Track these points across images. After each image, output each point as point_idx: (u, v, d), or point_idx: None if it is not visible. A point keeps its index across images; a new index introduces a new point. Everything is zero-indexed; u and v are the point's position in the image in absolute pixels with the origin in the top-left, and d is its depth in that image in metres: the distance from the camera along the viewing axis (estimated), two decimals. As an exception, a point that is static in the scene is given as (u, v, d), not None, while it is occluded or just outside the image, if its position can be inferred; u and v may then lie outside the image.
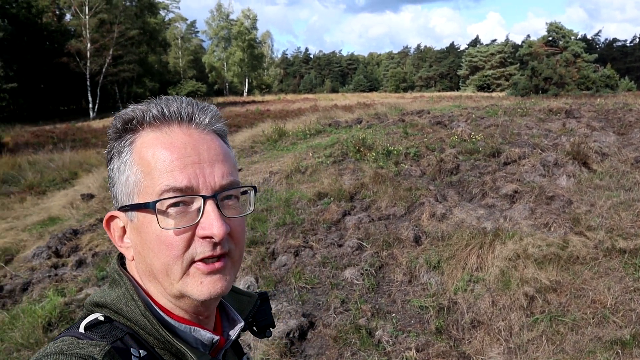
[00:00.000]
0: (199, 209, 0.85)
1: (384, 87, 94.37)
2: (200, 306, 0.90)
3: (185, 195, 0.84)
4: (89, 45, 45.09)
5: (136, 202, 0.86)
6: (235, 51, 72.01)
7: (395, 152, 8.61)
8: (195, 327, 0.90)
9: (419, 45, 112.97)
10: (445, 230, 5.80)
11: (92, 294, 0.92)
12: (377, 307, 4.88)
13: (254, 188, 0.96)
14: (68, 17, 52.82)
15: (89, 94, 45.92)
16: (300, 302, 5.16)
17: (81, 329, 0.83)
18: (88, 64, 45.47)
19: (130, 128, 0.89)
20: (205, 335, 0.91)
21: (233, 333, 0.99)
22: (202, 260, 0.85)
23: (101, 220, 8.61)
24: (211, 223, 0.83)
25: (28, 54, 44.79)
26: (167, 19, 74.07)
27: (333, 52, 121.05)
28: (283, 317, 4.81)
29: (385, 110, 14.69)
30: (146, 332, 0.85)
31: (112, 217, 0.92)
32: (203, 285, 0.85)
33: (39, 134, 28.59)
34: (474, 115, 11.50)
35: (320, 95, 63.32)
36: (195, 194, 0.85)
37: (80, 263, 7.05)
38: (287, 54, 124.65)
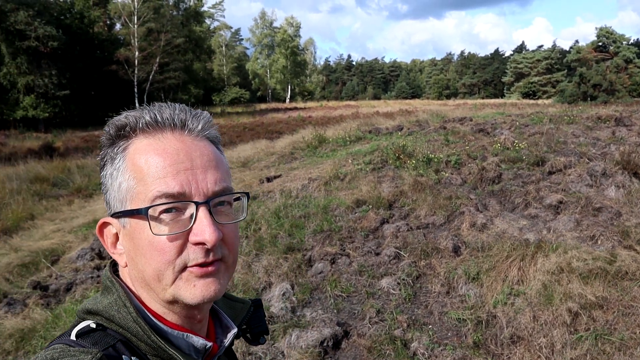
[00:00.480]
0: (191, 215, 0.85)
1: (427, 94, 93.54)
2: (193, 311, 0.90)
3: (177, 201, 0.84)
4: (137, 53, 46.46)
5: (129, 209, 0.86)
6: (279, 58, 72.85)
7: (435, 159, 8.47)
8: (188, 334, 0.89)
9: (462, 52, 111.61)
10: (485, 241, 5.65)
11: (85, 301, 0.92)
12: (413, 318, 4.78)
13: (247, 194, 0.97)
14: (118, 26, 54.60)
15: (136, 101, 47.24)
16: (335, 311, 5.10)
17: (73, 337, 0.83)
18: (136, 72, 46.84)
19: (123, 135, 0.89)
20: (198, 341, 0.90)
21: (226, 340, 0.99)
22: (194, 265, 0.84)
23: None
24: (203, 229, 0.83)
25: (80, 62, 46.48)
26: (212, 27, 75.66)
27: (375, 59, 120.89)
28: (317, 325, 4.77)
29: (427, 117, 14.53)
30: (138, 339, 0.85)
31: (105, 224, 0.92)
32: (196, 289, 0.85)
33: (88, 139, 29.59)
34: (517, 123, 11.22)
35: (362, 102, 63.26)
36: (187, 200, 0.85)
37: (122, 266, 7.22)
38: (329, 61, 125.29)
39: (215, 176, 0.88)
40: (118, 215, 0.88)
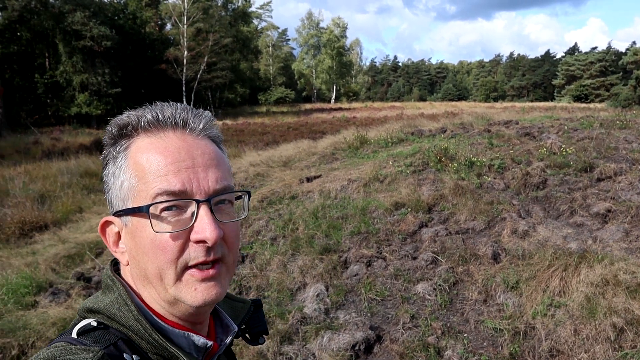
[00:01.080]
0: (192, 213, 0.85)
1: (474, 97, 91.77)
2: (194, 312, 0.90)
3: (178, 199, 0.84)
4: (185, 52, 47.50)
5: (130, 207, 0.87)
6: (324, 59, 73.02)
7: (478, 163, 8.27)
8: (189, 332, 0.90)
9: (511, 54, 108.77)
10: (526, 249, 5.46)
11: (86, 300, 0.92)
12: (448, 325, 4.67)
13: (248, 193, 0.97)
14: (168, 26, 55.99)
15: (184, 99, 48.29)
16: (369, 314, 5.05)
17: (74, 335, 0.84)
18: (184, 71, 47.88)
19: (125, 133, 0.90)
20: (199, 340, 0.90)
21: (226, 339, 0.99)
22: (196, 266, 0.85)
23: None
24: (204, 227, 0.83)
25: (131, 61, 47.93)
26: (259, 27, 76.56)
27: (422, 60, 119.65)
28: (350, 328, 4.73)
29: (472, 120, 14.22)
30: (139, 337, 0.85)
31: (107, 223, 0.93)
32: (197, 292, 0.85)
33: (137, 135, 30.35)
34: (566, 127, 10.83)
35: (408, 104, 62.67)
36: (189, 198, 0.85)
37: (162, 260, 7.34)
38: (375, 62, 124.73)
39: (217, 175, 0.89)
40: (120, 213, 0.88)
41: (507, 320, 4.51)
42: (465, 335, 4.53)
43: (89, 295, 4.51)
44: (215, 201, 0.88)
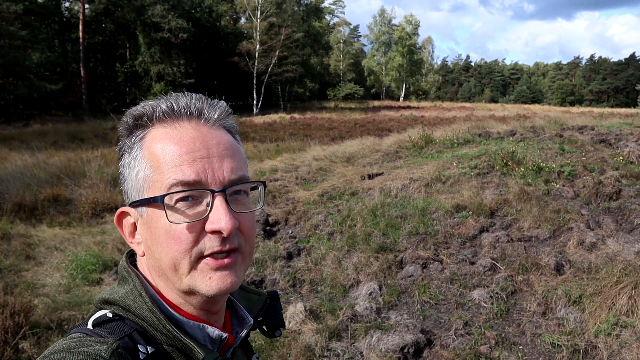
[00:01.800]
0: (207, 204, 0.84)
1: (548, 100, 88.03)
2: (210, 302, 0.90)
3: (193, 189, 0.84)
4: (258, 46, 48.35)
5: (145, 197, 0.86)
6: (395, 56, 72.25)
7: (547, 169, 7.90)
8: (204, 324, 0.89)
9: (592, 56, 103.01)
10: (593, 262, 5.16)
11: (102, 291, 0.93)
12: (502, 335, 4.49)
13: (263, 184, 0.95)
14: (242, 20, 57.22)
15: (254, 92, 49.23)
16: (421, 317, 4.95)
17: (89, 326, 0.84)
18: (256, 64, 48.77)
19: (140, 124, 0.89)
20: (214, 332, 0.90)
21: (242, 331, 0.99)
22: (211, 255, 0.84)
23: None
24: (219, 217, 0.83)
25: (206, 53, 49.41)
26: (331, 23, 76.81)
27: (495, 60, 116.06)
28: (400, 330, 4.65)
29: (543, 124, 13.63)
30: (154, 329, 0.85)
31: (123, 214, 0.92)
32: (212, 281, 0.84)
33: (207, 125, 31.29)
34: (648, 135, 10.17)
35: (478, 105, 61.00)
36: (204, 188, 0.84)
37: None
38: (447, 61, 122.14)
39: (232, 165, 0.88)
40: (135, 204, 0.88)
41: (566, 336, 4.29)
42: (520, 347, 4.34)
43: None
44: (231, 191, 0.87)
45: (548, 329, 4.47)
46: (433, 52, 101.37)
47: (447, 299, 5.19)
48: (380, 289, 5.53)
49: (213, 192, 0.84)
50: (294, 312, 5.08)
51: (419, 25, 73.25)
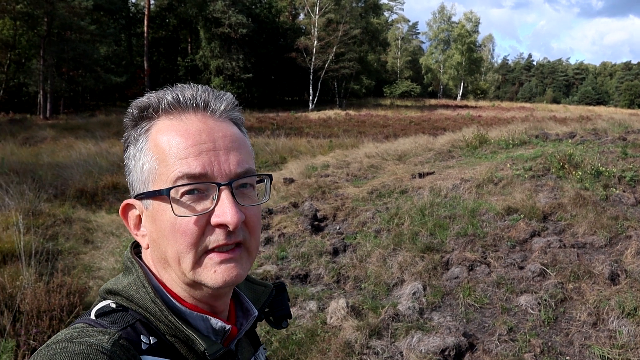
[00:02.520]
0: (213, 197, 0.84)
1: (615, 102, 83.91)
2: (214, 294, 0.89)
3: (199, 182, 0.83)
4: (315, 42, 48.58)
5: (151, 190, 0.86)
6: (454, 54, 70.79)
7: (606, 173, 7.55)
8: (207, 316, 0.89)
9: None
10: (652, 273, 4.91)
11: (107, 282, 0.93)
12: (549, 344, 4.34)
13: (270, 177, 0.95)
14: (301, 16, 57.59)
15: (310, 87, 49.51)
16: (464, 320, 4.85)
17: (92, 316, 0.84)
18: (313, 60, 49.02)
19: (146, 116, 0.89)
20: (217, 323, 0.89)
21: (246, 323, 0.98)
22: (216, 248, 0.84)
23: (294, 204, 9.19)
24: (225, 211, 0.82)
25: (264, 48, 50.07)
26: (390, 19, 76.11)
27: (559, 59, 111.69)
28: (442, 331, 4.58)
29: (606, 126, 13.02)
30: (156, 319, 0.85)
31: (129, 206, 0.92)
32: (217, 273, 0.84)
33: (262, 120, 31.79)
34: None
35: (539, 105, 58.91)
36: (209, 181, 0.84)
37: (268, 240, 7.57)
38: (507, 60, 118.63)
39: (238, 158, 0.87)
40: (141, 196, 0.88)
41: (618, 350, 4.10)
42: (567, 358, 4.18)
43: None
44: (237, 185, 0.86)
45: (598, 341, 4.28)
46: (493, 50, 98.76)
47: (492, 303, 5.06)
48: (424, 289, 5.46)
49: (219, 185, 0.83)
50: (335, 308, 5.09)
51: (479, 23, 71.48)
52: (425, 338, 4.49)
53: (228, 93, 0.93)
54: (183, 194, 0.83)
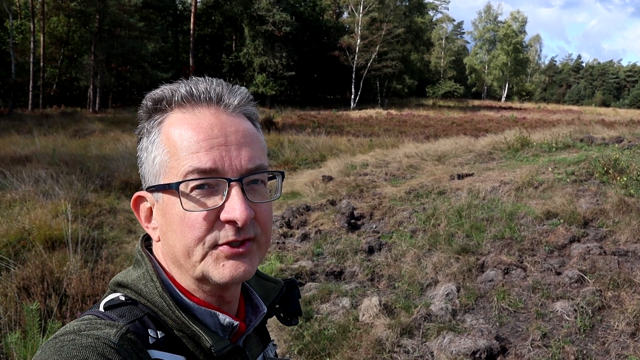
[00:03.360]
0: (223, 192, 0.83)
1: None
2: (222, 289, 0.89)
3: (209, 177, 0.83)
4: (358, 41, 48.52)
5: (161, 183, 0.86)
6: (499, 54, 69.30)
7: (654, 180, 7.32)
8: (215, 311, 0.88)
9: None
10: (696, 283, 4.75)
11: (118, 273, 0.94)
12: (584, 352, 4.26)
13: (282, 174, 0.94)
14: (345, 15, 57.59)
15: (353, 86, 49.47)
16: (497, 324, 4.81)
17: (101, 308, 0.85)
18: (355, 59, 49.00)
19: (159, 108, 0.88)
20: (225, 319, 0.89)
21: (255, 320, 0.96)
22: (225, 244, 0.83)
23: (332, 202, 9.26)
24: (235, 207, 0.81)
25: (307, 46, 50.36)
26: (434, 19, 75.20)
27: (610, 61, 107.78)
28: (474, 334, 4.56)
29: (658, 131, 12.57)
30: (164, 314, 0.85)
31: (140, 198, 0.92)
32: (225, 268, 0.83)
33: (304, 117, 32.00)
34: None
35: (587, 108, 57.02)
36: (220, 176, 0.83)
37: (304, 237, 7.67)
38: (555, 61, 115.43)
39: (250, 153, 0.86)
40: (152, 189, 0.88)
41: (656, 359, 4.00)
42: (602, 365, 4.11)
43: None
44: (248, 181, 0.85)
45: (637, 352, 4.19)
46: (540, 51, 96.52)
47: (527, 308, 5.00)
48: (458, 290, 5.44)
49: (229, 180, 0.83)
50: (368, 305, 5.13)
51: (526, 22, 69.64)
52: (456, 339, 4.48)
53: (242, 87, 0.92)
54: (193, 189, 0.83)
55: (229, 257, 0.83)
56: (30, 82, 35.80)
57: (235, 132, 0.86)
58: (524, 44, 73.48)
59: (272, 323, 4.83)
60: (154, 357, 0.80)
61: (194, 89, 0.87)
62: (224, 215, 0.82)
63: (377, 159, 13.57)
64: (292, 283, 1.11)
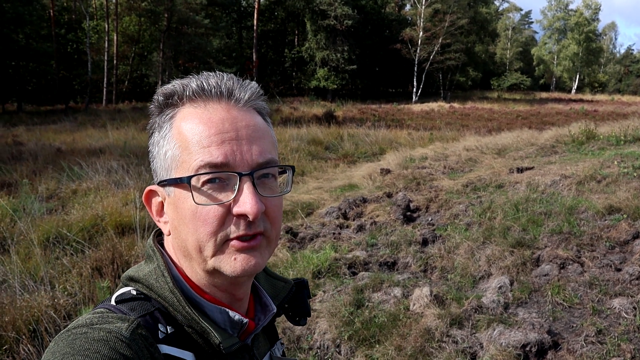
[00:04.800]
0: (234, 187, 0.84)
1: None
2: (234, 285, 0.90)
3: (221, 171, 0.83)
4: (421, 33, 47.80)
5: (173, 177, 0.86)
6: (570, 44, 66.13)
7: None
8: (225, 308, 0.89)
9: None
10: None
11: (130, 268, 0.96)
12: (640, 349, 4.15)
13: (292, 168, 0.95)
14: (407, 7, 56.85)
15: (414, 79, 48.83)
16: (550, 318, 4.74)
17: (112, 302, 0.87)
18: (418, 51, 48.29)
19: (171, 103, 0.89)
20: (234, 316, 0.89)
21: (264, 319, 0.98)
22: (236, 238, 0.84)
23: (388, 194, 9.30)
24: (246, 201, 0.82)
25: (369, 40, 50.14)
26: (500, 9, 72.85)
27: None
28: (525, 327, 4.52)
29: None
30: (174, 309, 0.86)
31: (152, 192, 0.93)
32: (236, 261, 0.84)
33: (365, 111, 31.97)
34: None
35: (670, 100, 53.63)
36: (231, 170, 0.83)
37: (360, 228, 7.77)
38: (632, 50, 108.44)
39: (261, 147, 0.87)
40: (163, 183, 0.88)
41: None
42: (659, 364, 3.99)
43: (291, 248, 5.16)
44: (259, 175, 0.86)
45: (697, 349, 4.04)
46: (616, 39, 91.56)
47: (582, 304, 4.90)
48: (511, 284, 5.39)
49: (240, 175, 0.83)
50: (419, 295, 5.18)
51: (599, 9, 66.13)
52: (507, 332, 4.47)
53: (253, 82, 0.93)
54: (204, 183, 0.83)
55: (240, 250, 0.84)
56: (104, 79, 37.75)
57: (246, 127, 0.87)
58: (597, 32, 69.84)
59: (325, 311, 4.99)
60: (164, 351, 0.81)
61: (205, 84, 0.88)
62: (235, 209, 0.83)
63: (436, 153, 13.45)
64: (303, 283, 1.12)
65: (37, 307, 4.56)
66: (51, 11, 38.64)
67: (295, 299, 1.10)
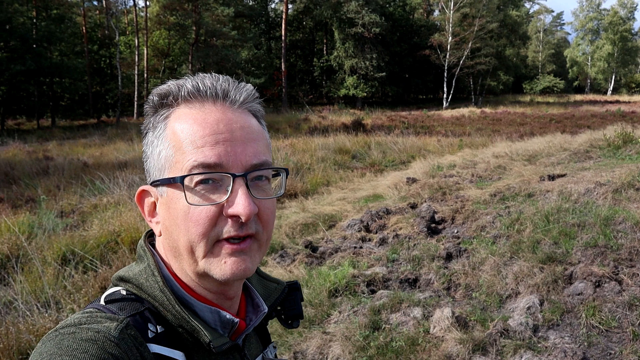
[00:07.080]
0: (227, 188, 0.84)
1: None
2: (223, 287, 0.90)
3: (214, 172, 0.83)
4: (450, 38, 47.18)
5: (166, 177, 0.87)
6: (604, 44, 64.35)
7: None
8: (215, 308, 0.89)
9: None
10: None
11: (121, 268, 0.97)
12: (687, 379, 3.71)
13: (286, 170, 0.95)
14: (436, 12, 56.30)
15: (445, 85, 48.20)
16: (585, 344, 4.32)
17: (102, 302, 0.86)
18: (447, 57, 47.67)
19: (166, 103, 0.89)
20: (225, 316, 0.90)
21: (255, 319, 0.98)
22: (227, 240, 0.84)
23: (413, 205, 8.94)
24: (238, 202, 0.82)
25: (397, 46, 49.87)
26: (530, 11, 71.50)
27: None
28: (556, 354, 4.13)
29: None
30: (164, 308, 0.86)
31: (144, 192, 0.93)
32: (226, 265, 0.84)
33: (394, 118, 31.63)
34: None
35: None
36: (224, 171, 0.84)
37: (382, 241, 7.43)
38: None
39: (255, 149, 0.87)
40: (156, 183, 0.89)
41: None
42: None
43: (309, 264, 4.85)
44: (252, 177, 0.86)
45: None
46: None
47: (621, 327, 4.45)
48: (541, 304, 4.97)
49: (234, 176, 0.83)
50: (440, 317, 4.82)
51: (635, 8, 64.08)
52: None
53: (248, 84, 0.93)
54: (197, 183, 0.83)
55: (230, 254, 0.84)
56: (135, 92, 38.45)
57: (240, 128, 0.87)
58: (633, 31, 67.66)
59: (340, 334, 4.68)
60: (153, 351, 0.81)
61: (200, 85, 0.88)
62: (227, 210, 0.83)
63: (465, 160, 13.02)
64: (295, 286, 1.13)
65: (42, 329, 4.41)
66: (83, 28, 39.65)
67: (288, 301, 1.10)
